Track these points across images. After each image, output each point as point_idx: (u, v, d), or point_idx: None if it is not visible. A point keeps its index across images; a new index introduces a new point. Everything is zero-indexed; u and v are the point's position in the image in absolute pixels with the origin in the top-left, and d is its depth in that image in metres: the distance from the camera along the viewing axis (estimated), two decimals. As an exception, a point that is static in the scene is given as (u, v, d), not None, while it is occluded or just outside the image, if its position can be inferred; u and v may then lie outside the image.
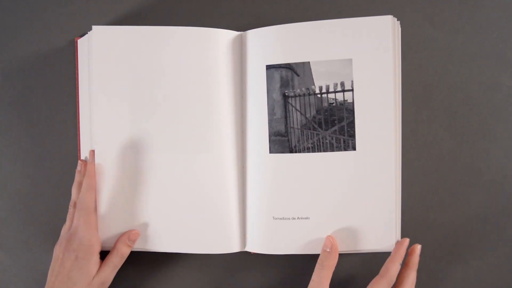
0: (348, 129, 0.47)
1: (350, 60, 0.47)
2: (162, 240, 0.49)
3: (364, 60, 0.46)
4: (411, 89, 0.51)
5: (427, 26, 0.52)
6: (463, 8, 0.52)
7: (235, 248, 0.49)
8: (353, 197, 0.47)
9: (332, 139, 0.47)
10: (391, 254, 0.46)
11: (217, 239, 0.49)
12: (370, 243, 0.47)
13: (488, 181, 0.51)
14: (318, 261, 0.47)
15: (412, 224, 0.51)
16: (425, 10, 0.52)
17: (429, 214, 0.52)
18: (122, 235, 0.49)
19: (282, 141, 0.48)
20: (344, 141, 0.47)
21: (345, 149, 0.47)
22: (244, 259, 0.52)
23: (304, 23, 0.47)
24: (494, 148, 0.51)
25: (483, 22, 0.51)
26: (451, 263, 0.52)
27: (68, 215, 0.50)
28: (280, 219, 0.48)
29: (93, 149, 0.49)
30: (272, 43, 0.48)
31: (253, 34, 0.49)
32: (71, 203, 0.50)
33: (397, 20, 0.47)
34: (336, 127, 0.47)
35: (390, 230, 0.47)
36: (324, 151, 0.47)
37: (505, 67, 0.51)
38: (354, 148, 0.47)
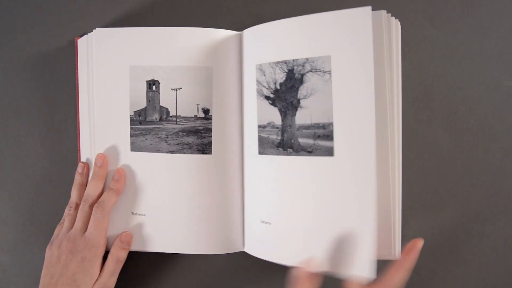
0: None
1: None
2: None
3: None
4: (411, 89, 0.51)
5: (427, 26, 0.52)
6: (463, 8, 0.51)
7: (236, 248, 0.49)
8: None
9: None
10: (399, 261, 0.42)
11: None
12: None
13: (488, 181, 0.51)
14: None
15: (412, 224, 0.51)
16: (425, 10, 0.52)
17: (429, 214, 0.52)
18: (115, 239, 0.49)
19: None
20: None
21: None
22: (244, 259, 0.52)
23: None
24: (494, 148, 0.51)
25: (483, 22, 0.51)
26: (451, 263, 0.52)
27: (67, 216, 0.49)
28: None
29: (95, 150, 0.49)
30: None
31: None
32: (71, 204, 0.50)
33: (396, 19, 0.47)
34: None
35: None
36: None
37: (505, 67, 0.51)
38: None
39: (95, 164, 0.49)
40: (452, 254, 0.52)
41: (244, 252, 0.50)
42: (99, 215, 0.47)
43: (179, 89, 0.49)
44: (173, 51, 0.48)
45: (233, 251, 0.49)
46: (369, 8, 0.42)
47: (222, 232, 0.49)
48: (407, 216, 0.51)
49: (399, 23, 0.47)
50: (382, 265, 0.43)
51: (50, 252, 0.48)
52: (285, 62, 0.45)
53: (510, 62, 0.51)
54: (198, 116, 0.49)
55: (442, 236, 0.52)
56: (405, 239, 0.50)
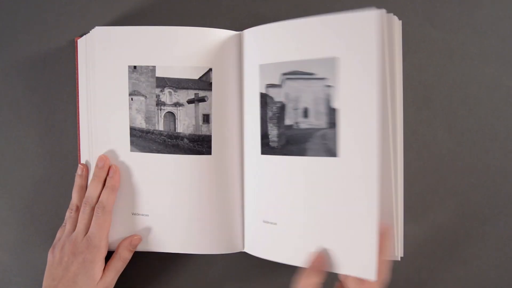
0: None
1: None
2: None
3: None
4: (411, 89, 0.51)
5: (427, 26, 0.52)
6: (463, 8, 0.52)
7: (236, 248, 0.49)
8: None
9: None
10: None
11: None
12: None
13: (488, 181, 0.51)
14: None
15: (412, 224, 0.51)
16: (425, 10, 0.52)
17: (429, 214, 0.52)
18: (124, 240, 0.49)
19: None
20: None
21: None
22: (244, 259, 0.52)
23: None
24: (494, 148, 0.51)
25: (483, 22, 0.51)
26: (451, 263, 0.52)
27: (68, 219, 0.49)
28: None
29: (94, 149, 0.49)
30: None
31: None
32: (72, 207, 0.49)
33: (400, 20, 0.46)
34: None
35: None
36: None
37: (505, 67, 0.51)
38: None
39: (96, 165, 0.49)
40: (452, 254, 0.52)
41: (244, 252, 0.50)
42: (100, 214, 0.47)
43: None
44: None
45: (233, 251, 0.49)
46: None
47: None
48: (407, 216, 0.51)
49: (400, 22, 0.47)
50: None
51: (52, 255, 0.48)
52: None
53: (510, 62, 0.51)
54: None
55: (442, 236, 0.52)
56: (406, 239, 0.51)
